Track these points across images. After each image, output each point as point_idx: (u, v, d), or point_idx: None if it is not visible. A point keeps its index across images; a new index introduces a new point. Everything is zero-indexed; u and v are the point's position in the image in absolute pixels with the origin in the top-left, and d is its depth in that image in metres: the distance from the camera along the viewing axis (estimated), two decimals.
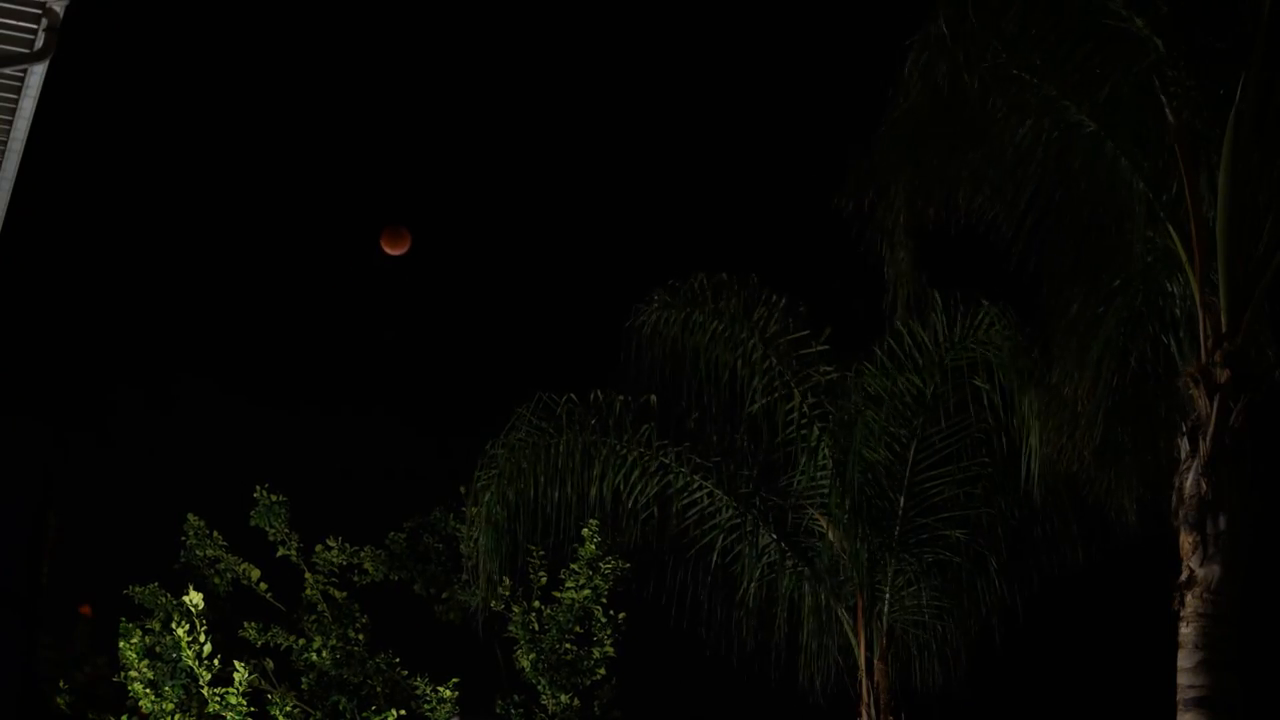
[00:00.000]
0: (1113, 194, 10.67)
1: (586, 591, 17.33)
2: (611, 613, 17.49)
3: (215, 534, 17.82)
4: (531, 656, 17.34)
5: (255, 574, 17.89)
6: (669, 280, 13.39)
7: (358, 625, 17.74)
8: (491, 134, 24.91)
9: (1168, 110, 10.19)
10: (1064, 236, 10.86)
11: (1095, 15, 10.24)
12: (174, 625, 16.94)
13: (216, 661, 16.96)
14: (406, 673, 17.77)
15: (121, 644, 17.04)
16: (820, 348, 13.15)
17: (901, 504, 12.94)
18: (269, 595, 17.98)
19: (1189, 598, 9.59)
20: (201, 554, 17.77)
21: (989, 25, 10.15)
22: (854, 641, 13.07)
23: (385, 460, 22.80)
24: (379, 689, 17.63)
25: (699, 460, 13.30)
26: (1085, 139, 10.62)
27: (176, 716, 16.89)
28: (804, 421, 13.10)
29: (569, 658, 17.42)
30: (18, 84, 9.52)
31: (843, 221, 10.76)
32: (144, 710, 17.01)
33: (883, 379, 12.79)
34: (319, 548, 17.76)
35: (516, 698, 17.53)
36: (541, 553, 17.32)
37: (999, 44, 10.33)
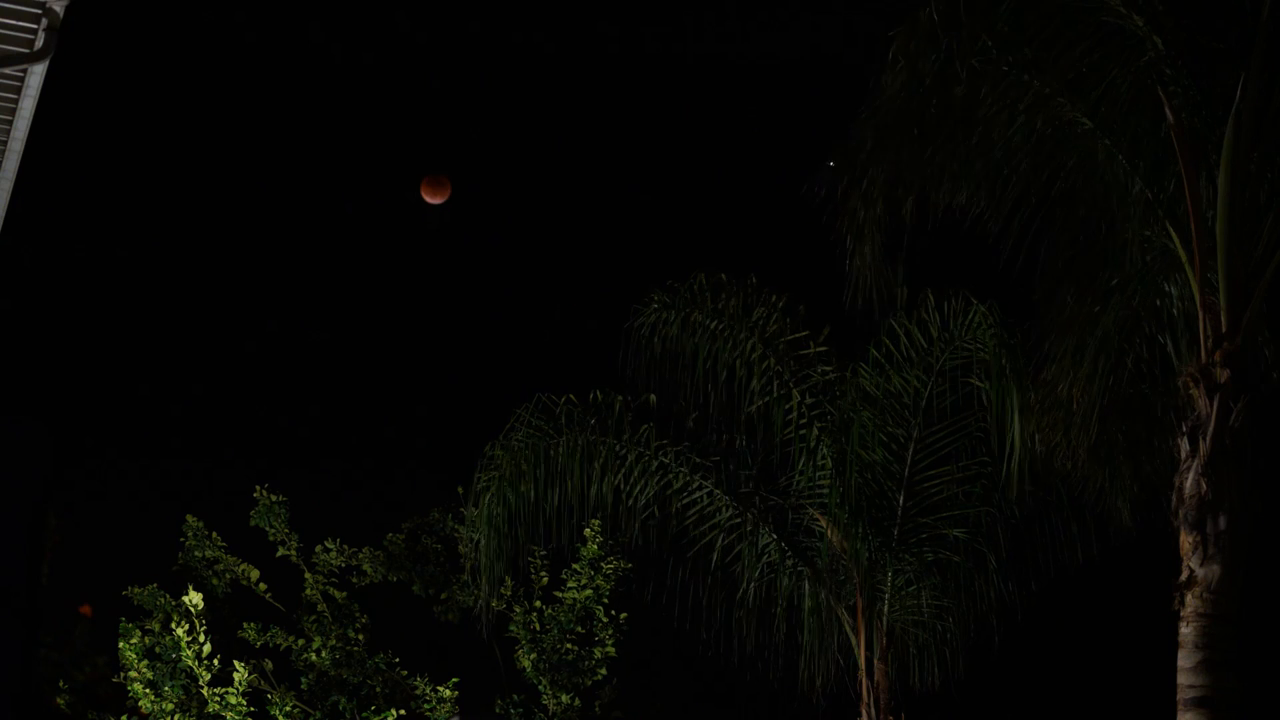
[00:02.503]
0: (1107, 192, 10.63)
1: (588, 592, 17.34)
2: (613, 613, 17.50)
3: (214, 535, 17.83)
4: (533, 656, 17.34)
5: (255, 574, 17.90)
6: (668, 280, 13.39)
7: (357, 625, 17.75)
8: (490, 134, 24.92)
9: (1167, 109, 10.15)
10: (1057, 234, 10.80)
11: (1092, 12, 10.19)
12: (174, 625, 16.95)
13: (216, 662, 16.97)
14: (406, 673, 17.78)
15: (121, 644, 17.05)
16: (819, 348, 13.14)
17: (901, 503, 12.93)
18: (268, 596, 17.99)
19: (1189, 598, 9.58)
20: (200, 555, 17.78)
21: (980, 18, 10.06)
22: (854, 641, 13.06)
23: (384, 461, 22.81)
24: (379, 689, 17.63)
25: (698, 460, 13.29)
26: (1080, 137, 10.58)
27: (176, 716, 16.89)
28: (803, 421, 13.10)
29: (570, 658, 17.42)
30: (18, 84, 9.52)
31: (811, 210, 10.60)
32: (144, 710, 17.02)
33: (878, 379, 12.78)
34: (318, 548, 17.77)
35: (516, 698, 17.53)
36: (543, 553, 17.33)
37: (989, 37, 10.24)
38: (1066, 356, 10.29)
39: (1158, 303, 10.45)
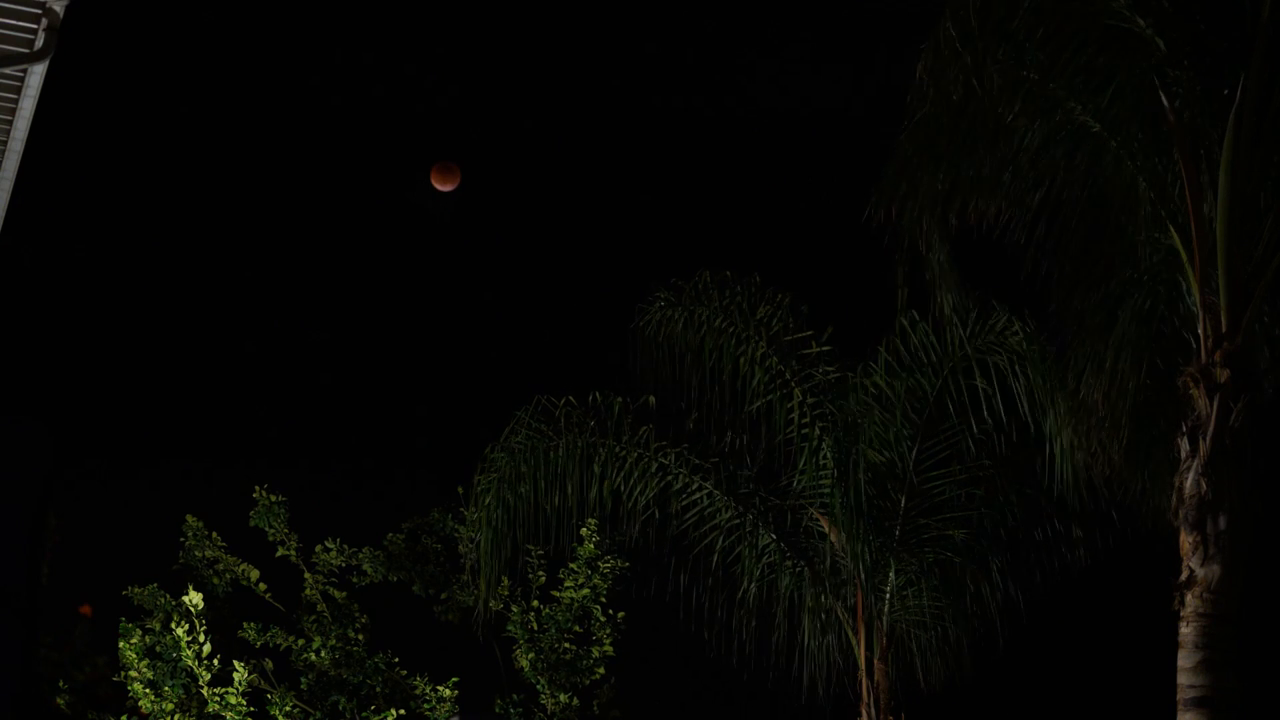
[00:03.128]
0: (1117, 195, 10.66)
1: (585, 591, 17.34)
2: (611, 612, 17.50)
3: (214, 535, 17.84)
4: (531, 656, 17.34)
5: (254, 574, 17.90)
6: (672, 279, 13.40)
7: (357, 625, 17.75)
8: (490, 134, 24.92)
9: (1169, 110, 10.17)
10: (1072, 239, 10.83)
11: (1098, 15, 10.21)
12: (174, 625, 16.95)
13: (216, 661, 16.97)
14: (406, 673, 17.78)
15: (121, 644, 17.04)
16: (822, 348, 13.14)
17: (903, 504, 12.93)
18: (268, 596, 17.99)
19: (1189, 598, 9.58)
20: (200, 555, 17.78)
21: (995, 28, 10.11)
22: (854, 641, 13.06)
23: (385, 461, 22.82)
24: (379, 689, 17.63)
25: (698, 461, 13.29)
26: (1090, 140, 10.61)
27: (176, 716, 16.89)
28: (805, 421, 13.10)
29: (568, 657, 17.42)
30: (18, 84, 9.53)
31: (871, 232, 10.72)
32: (144, 710, 17.02)
33: (888, 379, 12.78)
34: (318, 548, 17.77)
35: (516, 697, 17.53)
36: (541, 552, 17.33)
37: (1006, 47, 10.29)
38: (1089, 361, 10.31)
39: (1175, 301, 10.45)
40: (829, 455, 12.96)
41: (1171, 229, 10.18)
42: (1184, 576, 9.62)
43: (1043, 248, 10.77)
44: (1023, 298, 12.16)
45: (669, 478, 13.29)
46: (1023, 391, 12.01)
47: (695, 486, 13.30)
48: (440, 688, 17.62)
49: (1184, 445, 9.72)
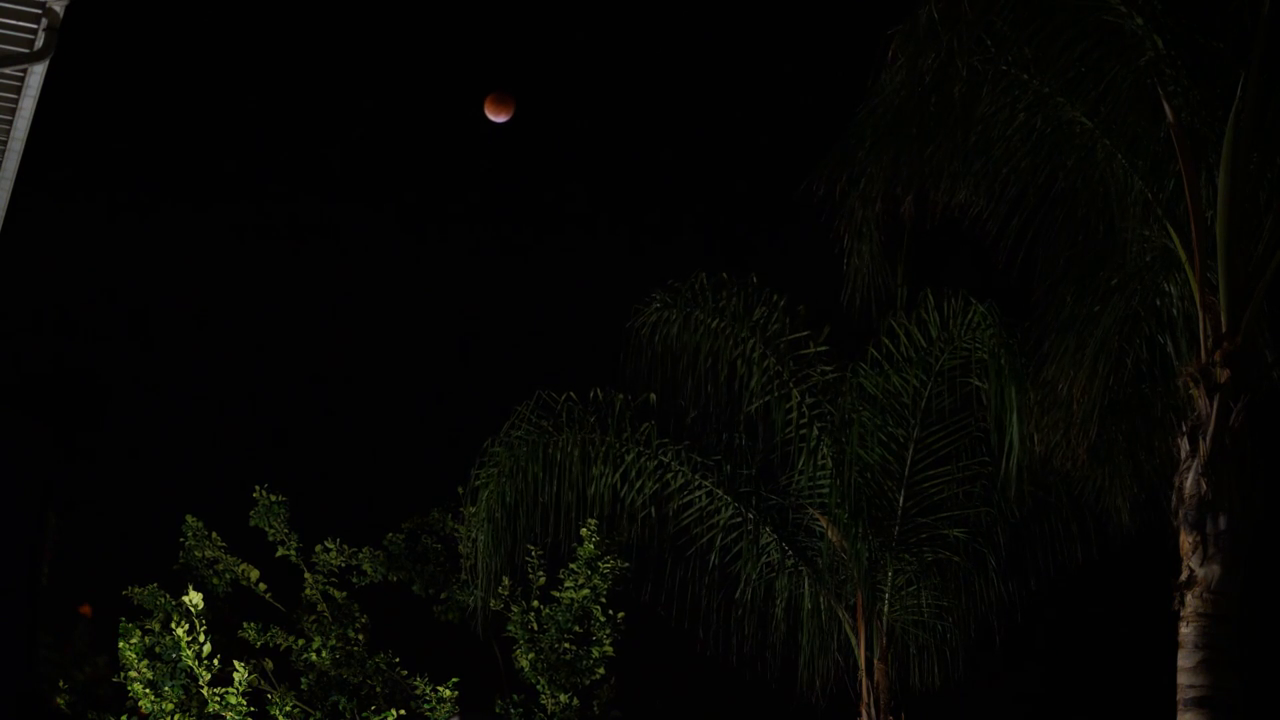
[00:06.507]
0: (1107, 192, 10.64)
1: (585, 591, 17.33)
2: (611, 612, 17.49)
3: (214, 535, 17.84)
4: (530, 656, 17.34)
5: (254, 574, 17.90)
6: (669, 280, 13.38)
7: (357, 625, 17.75)
8: (488, 134, 24.92)
9: (1167, 108, 10.16)
10: (1056, 234, 10.81)
11: (1092, 12, 10.20)
12: (174, 625, 16.95)
13: (216, 661, 16.97)
14: (406, 673, 17.78)
15: (121, 644, 17.04)
16: (819, 348, 13.13)
17: (901, 503, 12.93)
18: (268, 595, 17.99)
19: (1189, 598, 9.58)
20: (200, 555, 17.78)
21: (980, 18, 10.06)
22: (854, 641, 13.06)
23: (384, 461, 22.83)
24: (379, 689, 17.63)
25: (698, 459, 13.29)
26: (1079, 136, 10.58)
27: (176, 716, 16.89)
28: (803, 421, 13.09)
29: (568, 657, 17.42)
30: (18, 84, 9.54)
31: (810, 209, 10.60)
32: (144, 710, 17.02)
33: (878, 379, 12.77)
34: (318, 548, 17.77)
35: (516, 697, 17.53)
36: (540, 552, 17.33)
37: (989, 38, 10.25)
38: (1066, 356, 10.30)
39: (1157, 302, 10.45)
40: (828, 455, 12.96)
41: (1170, 228, 10.17)
42: (1184, 576, 9.62)
43: (1022, 241, 10.73)
44: (996, 290, 12.16)
45: (669, 475, 13.28)
46: (992, 383, 11.98)
47: (695, 484, 13.30)
48: (440, 688, 17.62)
49: (1184, 445, 9.72)
